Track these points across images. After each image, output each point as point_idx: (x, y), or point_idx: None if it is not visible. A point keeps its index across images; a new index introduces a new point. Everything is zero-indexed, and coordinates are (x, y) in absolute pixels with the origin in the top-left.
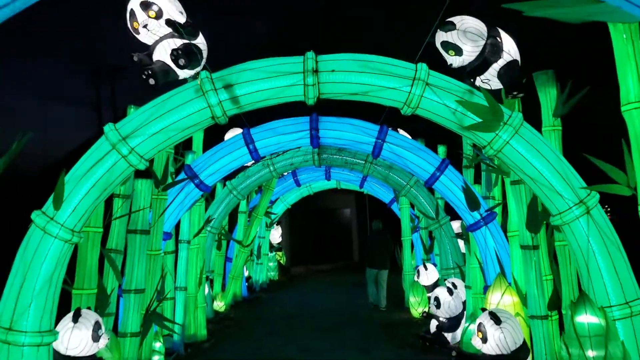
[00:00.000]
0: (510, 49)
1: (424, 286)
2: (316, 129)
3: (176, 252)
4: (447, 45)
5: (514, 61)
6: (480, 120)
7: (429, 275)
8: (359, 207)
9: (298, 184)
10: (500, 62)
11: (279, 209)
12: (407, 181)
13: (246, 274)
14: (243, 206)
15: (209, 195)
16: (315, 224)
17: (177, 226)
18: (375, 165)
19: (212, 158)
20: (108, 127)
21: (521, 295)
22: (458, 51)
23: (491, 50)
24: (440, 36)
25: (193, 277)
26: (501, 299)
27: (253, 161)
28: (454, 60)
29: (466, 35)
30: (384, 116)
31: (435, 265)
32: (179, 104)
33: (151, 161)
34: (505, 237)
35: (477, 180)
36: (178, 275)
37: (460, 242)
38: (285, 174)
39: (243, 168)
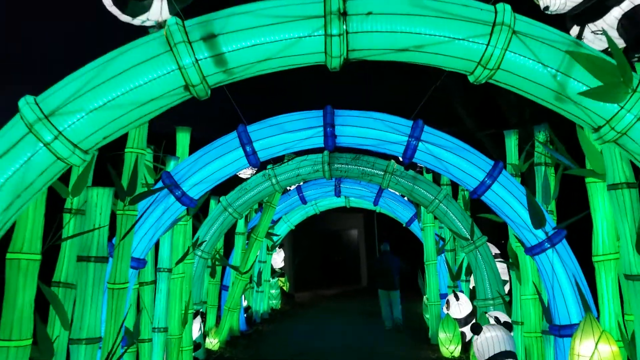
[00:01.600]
0: None
1: (456, 319)
2: (332, 125)
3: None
4: None
5: None
6: (600, 84)
7: (461, 306)
8: (367, 228)
9: (304, 200)
10: (624, 7)
11: (282, 230)
12: (436, 195)
13: (245, 304)
14: (241, 226)
15: (200, 212)
16: (320, 247)
17: (157, 250)
18: (397, 176)
19: (198, 163)
20: (24, 101)
21: (625, 343)
22: None
23: None
24: None
25: (176, 314)
26: (595, 349)
27: (251, 168)
28: (551, 2)
29: None
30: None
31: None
32: (133, 64)
33: (114, 163)
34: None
35: None
36: (156, 312)
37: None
38: (290, 188)
39: (240, 180)
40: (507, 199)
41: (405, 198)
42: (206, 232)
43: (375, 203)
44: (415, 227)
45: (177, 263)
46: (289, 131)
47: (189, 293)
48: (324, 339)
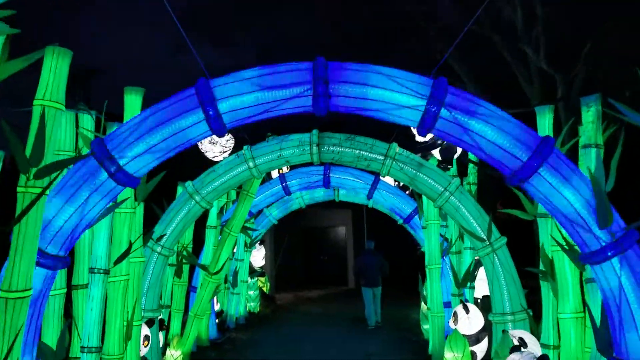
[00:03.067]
0: None
1: (465, 336)
2: (324, 81)
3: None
4: None
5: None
6: None
7: (471, 320)
8: (356, 226)
9: (287, 191)
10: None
11: (263, 225)
12: (446, 185)
13: (217, 307)
14: (213, 219)
15: (165, 200)
16: (305, 245)
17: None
18: (400, 162)
19: (141, 128)
20: None
21: None
22: None
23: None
24: None
25: (116, 328)
26: None
27: (222, 149)
28: None
29: None
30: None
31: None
32: None
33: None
34: None
35: None
36: (86, 326)
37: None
38: (273, 176)
39: (209, 163)
40: (560, 187)
41: (407, 192)
42: (168, 223)
43: (370, 196)
44: (415, 225)
45: (117, 262)
46: (267, 88)
47: (136, 299)
48: (308, 351)
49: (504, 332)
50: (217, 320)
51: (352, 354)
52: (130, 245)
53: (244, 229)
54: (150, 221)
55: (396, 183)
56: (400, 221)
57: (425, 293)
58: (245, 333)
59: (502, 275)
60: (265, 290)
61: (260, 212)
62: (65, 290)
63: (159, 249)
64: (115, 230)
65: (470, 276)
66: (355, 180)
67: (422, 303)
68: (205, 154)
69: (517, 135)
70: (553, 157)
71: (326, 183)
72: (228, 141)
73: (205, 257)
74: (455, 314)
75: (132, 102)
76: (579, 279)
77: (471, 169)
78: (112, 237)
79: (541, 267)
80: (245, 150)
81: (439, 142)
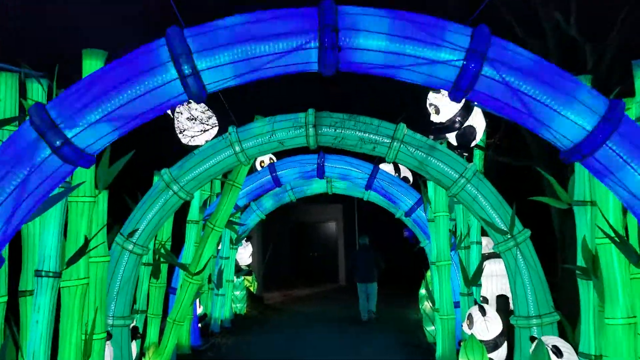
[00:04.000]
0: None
1: (482, 342)
2: (333, 29)
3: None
4: None
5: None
6: None
7: (488, 324)
8: (347, 221)
9: (277, 182)
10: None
11: (250, 220)
12: (462, 171)
13: (200, 310)
14: (194, 212)
15: (139, 191)
16: (294, 241)
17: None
18: (409, 145)
19: (95, 89)
20: None
21: None
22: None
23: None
24: None
25: (72, 343)
26: None
27: (200, 127)
28: None
29: None
30: None
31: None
32: None
33: None
34: None
35: None
36: (30, 342)
37: None
38: (261, 166)
39: (191, 149)
40: (632, 160)
41: (410, 182)
42: (141, 217)
43: (369, 186)
44: (416, 219)
45: (70, 263)
46: (258, 39)
47: (98, 308)
48: (300, 357)
49: (534, 339)
50: (199, 325)
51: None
52: (87, 241)
53: (230, 224)
54: (123, 217)
55: (396, 174)
56: (398, 214)
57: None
58: (231, 338)
59: (526, 272)
60: (252, 290)
61: (247, 205)
62: (5, 299)
63: (130, 246)
64: (71, 223)
65: (479, 273)
66: (352, 170)
67: (425, 303)
68: (182, 136)
69: (579, 96)
70: (624, 125)
71: (320, 172)
72: (210, 118)
73: (186, 255)
74: (470, 317)
75: (93, 68)
76: (628, 279)
77: (478, 154)
78: (67, 232)
79: (579, 262)
80: (231, 132)
81: (457, 122)
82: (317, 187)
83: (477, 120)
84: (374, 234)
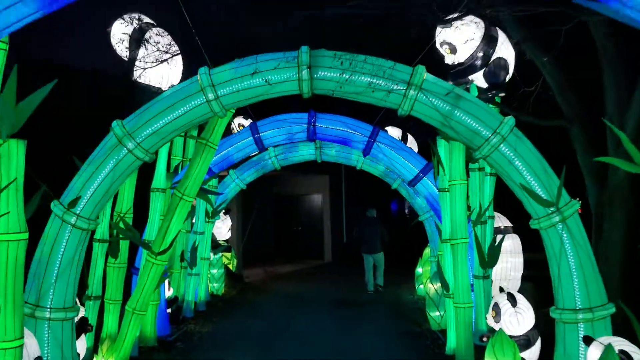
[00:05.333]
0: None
1: (512, 337)
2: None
3: None
4: None
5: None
6: None
7: (519, 316)
8: (334, 193)
9: (260, 145)
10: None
11: (229, 190)
12: (496, 126)
13: (169, 292)
14: (160, 179)
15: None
16: (276, 214)
17: None
18: (428, 92)
19: None
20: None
21: None
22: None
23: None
24: None
25: None
26: None
27: (168, 70)
28: None
29: None
30: None
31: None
32: None
33: None
34: None
35: None
36: None
37: None
38: (241, 126)
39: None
40: None
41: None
42: (85, 181)
43: (367, 152)
44: (424, 187)
45: None
46: None
47: (12, 301)
48: (285, 349)
49: (589, 340)
50: (168, 311)
51: (344, 354)
52: None
53: (203, 192)
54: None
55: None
56: (395, 184)
57: (419, 271)
58: (205, 324)
59: (574, 254)
60: (231, 268)
61: (225, 174)
62: None
63: (72, 219)
64: None
65: (497, 252)
66: (349, 131)
67: (429, 285)
68: (135, 70)
69: None
70: None
71: (311, 134)
72: (171, 46)
73: (150, 230)
74: (496, 307)
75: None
76: None
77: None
78: None
79: None
80: (202, 74)
81: (480, 58)
82: (305, 153)
83: (506, 49)
84: (364, 208)
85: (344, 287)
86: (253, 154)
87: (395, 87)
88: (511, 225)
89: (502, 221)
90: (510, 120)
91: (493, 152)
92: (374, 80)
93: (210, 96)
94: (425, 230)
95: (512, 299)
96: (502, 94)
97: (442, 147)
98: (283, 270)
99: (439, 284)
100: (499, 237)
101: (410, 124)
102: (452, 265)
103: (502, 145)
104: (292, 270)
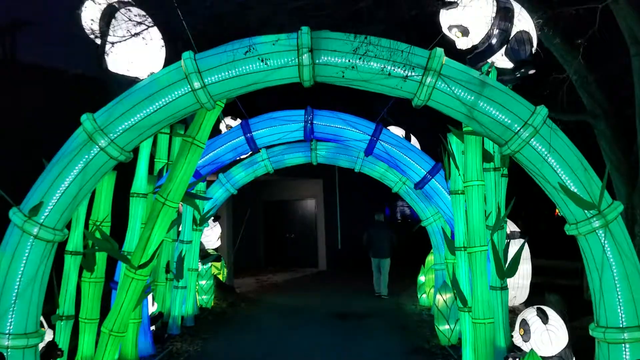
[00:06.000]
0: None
1: (543, 358)
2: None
3: None
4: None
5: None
6: None
7: (552, 334)
8: (328, 198)
9: (253, 145)
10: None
11: (219, 195)
12: (527, 117)
13: (153, 308)
14: (140, 183)
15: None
16: (268, 220)
17: None
18: (449, 79)
19: None
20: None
21: None
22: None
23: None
24: None
25: None
26: None
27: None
28: None
29: None
30: None
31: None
32: None
33: None
34: None
35: None
36: None
37: None
38: (230, 127)
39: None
40: None
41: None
42: (50, 185)
43: (369, 152)
44: (432, 190)
45: None
46: None
47: None
48: None
49: None
50: (152, 328)
51: None
52: None
53: (189, 197)
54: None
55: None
56: (396, 188)
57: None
58: (193, 342)
59: (619, 264)
60: (221, 279)
61: (214, 178)
62: None
63: (34, 229)
64: None
65: (517, 261)
66: (349, 129)
67: (438, 297)
68: (107, 54)
69: None
70: None
71: (308, 132)
72: (144, 17)
73: (130, 240)
74: (524, 324)
75: None
76: None
77: None
78: None
79: None
80: (186, 59)
81: (497, 36)
82: (300, 155)
83: (525, 21)
84: (360, 213)
85: (341, 297)
86: (244, 156)
87: (410, 73)
88: (518, 230)
89: (508, 226)
90: (542, 109)
91: (524, 147)
92: (387, 66)
93: (196, 84)
94: (425, 235)
95: (542, 314)
96: (532, 71)
97: (454, 144)
98: (277, 279)
99: (448, 295)
100: (512, 242)
101: (413, 123)
102: (469, 275)
103: (533, 139)
104: (286, 279)
